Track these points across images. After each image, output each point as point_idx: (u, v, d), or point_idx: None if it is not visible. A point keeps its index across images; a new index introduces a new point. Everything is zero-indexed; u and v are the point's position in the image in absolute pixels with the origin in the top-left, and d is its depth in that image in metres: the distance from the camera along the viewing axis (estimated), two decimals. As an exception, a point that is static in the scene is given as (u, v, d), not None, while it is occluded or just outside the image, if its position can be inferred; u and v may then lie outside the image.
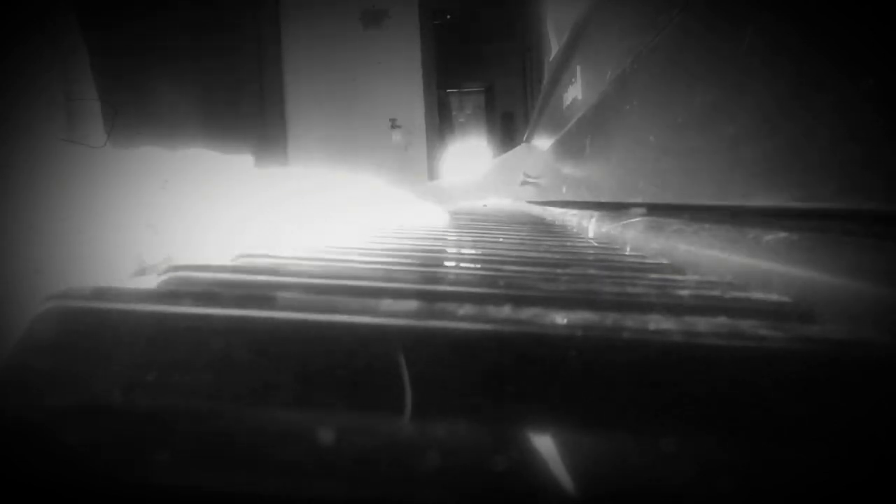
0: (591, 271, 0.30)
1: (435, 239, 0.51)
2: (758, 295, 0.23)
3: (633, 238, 0.45)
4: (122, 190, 0.47)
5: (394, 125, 3.28)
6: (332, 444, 0.12)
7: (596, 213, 0.62)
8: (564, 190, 0.92)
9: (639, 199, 0.50)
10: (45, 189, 0.45)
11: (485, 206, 1.60)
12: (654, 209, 0.48)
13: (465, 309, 0.17)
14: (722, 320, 0.17)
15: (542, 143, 1.36)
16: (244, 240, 0.50)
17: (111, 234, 0.46)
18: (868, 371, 0.14)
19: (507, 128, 4.61)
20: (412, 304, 0.18)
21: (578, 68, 0.89)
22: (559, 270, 0.30)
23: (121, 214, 0.46)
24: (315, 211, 0.62)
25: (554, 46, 1.37)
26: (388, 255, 0.35)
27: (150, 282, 0.22)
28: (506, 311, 0.17)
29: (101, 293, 0.16)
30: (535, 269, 0.30)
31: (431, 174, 3.29)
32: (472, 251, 0.41)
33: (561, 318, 0.17)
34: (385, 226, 0.65)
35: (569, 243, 0.49)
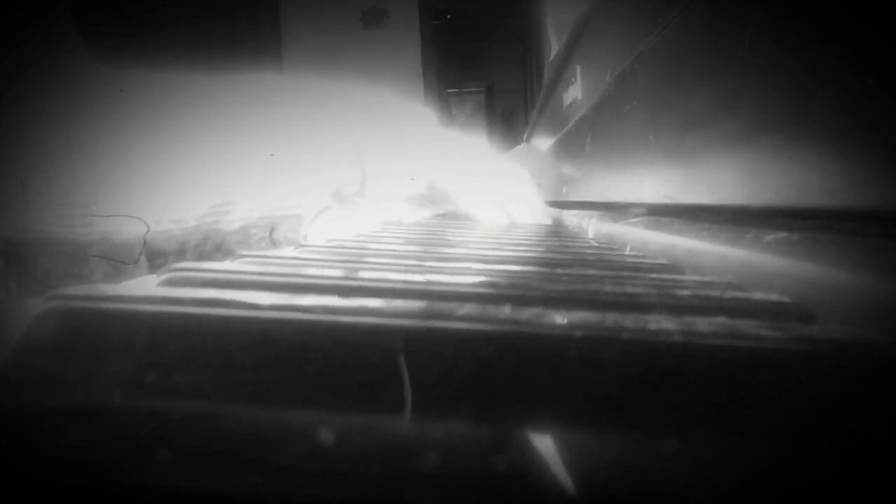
0: (591, 271, 0.30)
1: (435, 238, 0.51)
2: (758, 295, 0.23)
3: (633, 238, 0.45)
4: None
5: (394, 125, 3.28)
6: (332, 444, 0.12)
7: (596, 213, 0.62)
8: (564, 190, 0.92)
9: (639, 199, 0.50)
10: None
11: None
12: (654, 209, 0.48)
13: (466, 309, 0.17)
14: (722, 320, 0.17)
15: (542, 143, 1.36)
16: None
17: None
18: (868, 371, 0.14)
19: (507, 128, 4.61)
20: (412, 304, 0.18)
21: (578, 68, 0.89)
22: (559, 270, 0.30)
23: None
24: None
25: (554, 46, 1.37)
26: (387, 254, 0.35)
27: (151, 282, 0.22)
28: (506, 310, 0.17)
29: (101, 293, 0.16)
30: (535, 268, 0.30)
31: (431, 174, 3.28)
32: (472, 251, 0.41)
33: (561, 318, 0.17)
34: (384, 222, 0.65)
35: (569, 243, 0.50)
